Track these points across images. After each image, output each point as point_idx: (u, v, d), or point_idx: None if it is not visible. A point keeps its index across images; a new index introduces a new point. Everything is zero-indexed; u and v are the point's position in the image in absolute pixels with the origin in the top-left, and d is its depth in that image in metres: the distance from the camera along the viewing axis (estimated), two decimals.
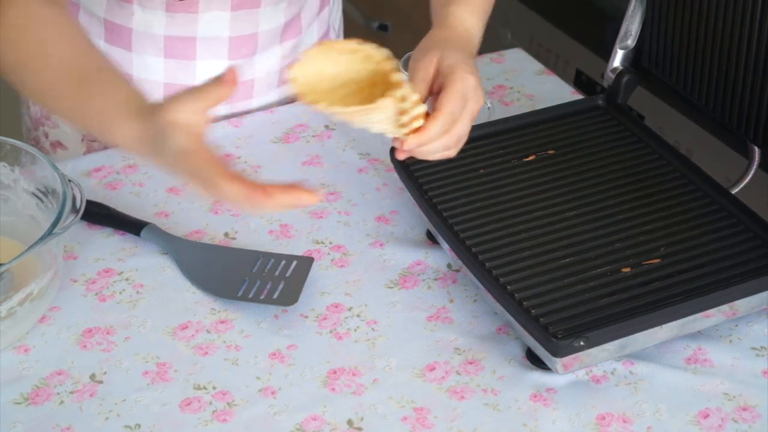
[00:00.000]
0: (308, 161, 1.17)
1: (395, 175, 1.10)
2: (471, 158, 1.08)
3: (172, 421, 0.87)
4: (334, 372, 0.92)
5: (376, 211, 1.10)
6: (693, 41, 1.08)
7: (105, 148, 1.26)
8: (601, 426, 0.86)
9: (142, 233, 1.05)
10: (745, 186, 1.10)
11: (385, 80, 0.82)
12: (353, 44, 0.84)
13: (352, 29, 1.53)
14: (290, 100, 1.27)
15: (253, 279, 1.00)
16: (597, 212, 1.01)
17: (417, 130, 0.85)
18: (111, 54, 1.18)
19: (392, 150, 1.06)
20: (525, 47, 1.74)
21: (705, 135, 1.43)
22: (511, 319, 0.91)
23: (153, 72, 1.21)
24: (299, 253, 1.04)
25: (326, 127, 1.22)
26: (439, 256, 1.04)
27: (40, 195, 1.00)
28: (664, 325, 0.90)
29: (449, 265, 1.03)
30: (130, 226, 1.06)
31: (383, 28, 2.39)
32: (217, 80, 0.84)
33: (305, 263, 1.01)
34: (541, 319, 0.89)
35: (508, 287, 0.92)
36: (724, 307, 0.92)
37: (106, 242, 1.06)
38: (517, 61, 1.35)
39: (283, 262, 1.01)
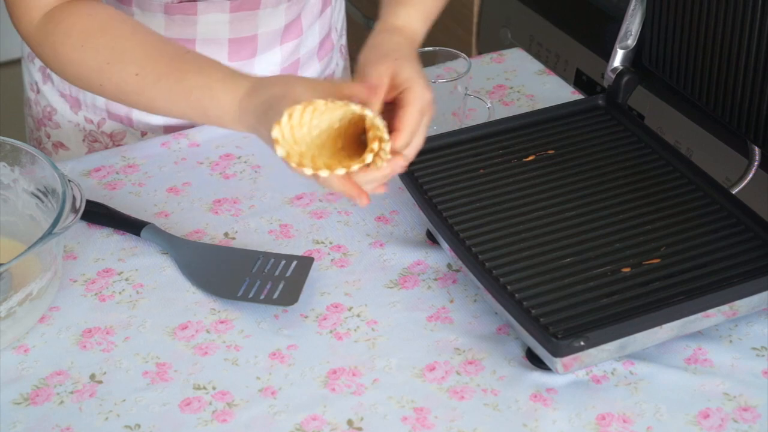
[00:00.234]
0: None
1: (395, 175, 1.10)
2: (471, 158, 1.08)
3: (172, 422, 0.87)
4: (334, 372, 0.92)
5: (376, 211, 1.10)
6: (693, 41, 1.08)
7: (106, 148, 1.27)
8: (601, 426, 0.86)
9: (142, 233, 1.05)
10: (745, 186, 1.10)
11: (355, 115, 0.84)
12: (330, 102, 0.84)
13: (352, 29, 1.53)
14: None
15: (253, 279, 1.00)
16: (597, 212, 1.01)
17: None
18: None
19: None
20: (525, 47, 1.75)
21: (705, 135, 1.43)
22: (511, 319, 0.91)
23: None
24: (299, 253, 1.04)
25: None
26: (439, 256, 1.04)
27: (40, 195, 1.00)
28: (664, 325, 0.89)
29: (449, 265, 1.03)
30: (130, 226, 1.06)
31: None
32: (360, 85, 0.86)
33: (305, 263, 1.01)
34: (541, 319, 0.89)
35: (508, 287, 0.92)
36: (724, 307, 0.92)
37: (106, 242, 1.06)
38: (517, 61, 1.35)
39: (283, 262, 1.01)
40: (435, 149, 1.09)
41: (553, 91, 1.29)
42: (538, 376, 0.91)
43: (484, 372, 0.91)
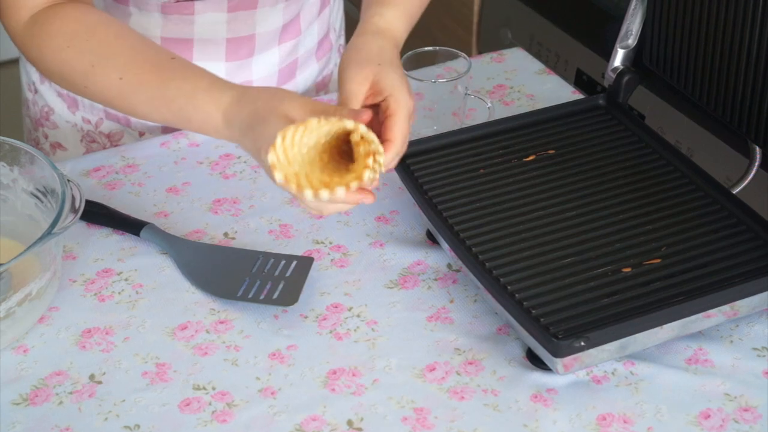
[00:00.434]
0: None
1: (395, 175, 1.10)
2: (471, 158, 1.08)
3: (172, 422, 0.87)
4: (334, 372, 0.92)
5: (376, 211, 1.10)
6: (694, 40, 1.08)
7: (104, 148, 1.27)
8: (601, 426, 0.86)
9: (142, 233, 1.05)
10: (746, 186, 1.10)
11: (344, 130, 0.84)
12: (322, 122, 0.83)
13: (351, 29, 1.53)
14: None
15: (253, 279, 1.00)
16: (597, 212, 1.01)
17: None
18: None
19: None
20: (525, 47, 1.75)
21: (706, 134, 1.43)
22: (512, 319, 0.91)
23: None
24: (299, 253, 1.04)
25: None
26: (439, 256, 1.04)
27: (39, 195, 1.00)
28: (664, 326, 0.89)
29: (449, 265, 1.03)
30: (130, 226, 1.06)
31: None
32: (351, 109, 0.86)
33: (305, 263, 1.01)
34: (542, 320, 0.89)
35: (509, 287, 0.92)
36: (725, 308, 0.91)
37: (106, 242, 1.06)
38: (518, 61, 1.35)
39: (283, 262, 1.01)
40: (435, 149, 1.09)
41: (553, 90, 1.29)
42: (538, 377, 0.91)
43: (485, 372, 0.91)
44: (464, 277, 1.01)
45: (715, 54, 1.05)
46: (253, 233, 1.07)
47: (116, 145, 1.26)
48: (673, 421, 0.87)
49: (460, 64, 1.19)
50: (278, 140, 0.80)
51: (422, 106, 1.18)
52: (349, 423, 0.87)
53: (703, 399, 0.88)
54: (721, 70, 1.05)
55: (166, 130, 1.26)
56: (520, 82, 1.31)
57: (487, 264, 0.94)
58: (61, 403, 0.89)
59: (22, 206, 1.01)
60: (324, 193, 0.80)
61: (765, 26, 0.98)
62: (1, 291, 0.91)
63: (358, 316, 0.97)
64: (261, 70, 1.25)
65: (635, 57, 1.17)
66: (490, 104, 1.21)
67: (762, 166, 1.11)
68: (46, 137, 1.30)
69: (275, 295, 0.98)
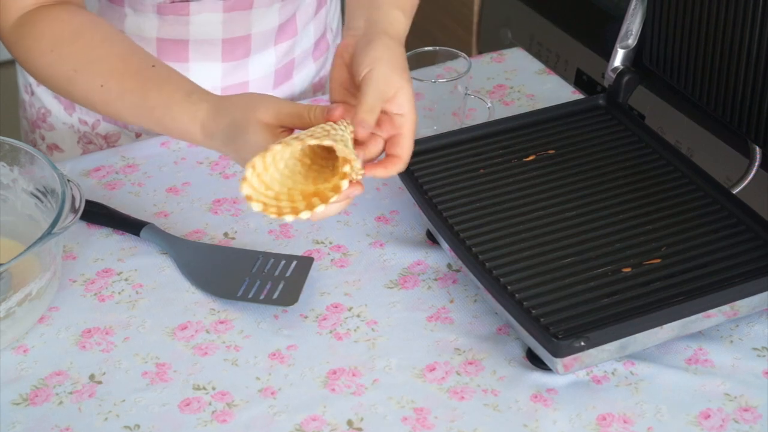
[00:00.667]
0: None
1: (395, 175, 1.10)
2: (471, 158, 1.08)
3: (172, 422, 0.87)
4: (334, 372, 0.92)
5: (376, 211, 1.10)
6: (694, 40, 1.08)
7: (101, 149, 1.26)
8: (601, 426, 0.86)
9: (142, 233, 1.05)
10: (746, 186, 1.10)
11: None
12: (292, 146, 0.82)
13: None
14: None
15: (253, 279, 1.00)
16: (597, 212, 1.01)
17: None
18: None
19: None
20: (525, 47, 1.75)
21: (706, 134, 1.43)
22: (512, 319, 0.91)
23: None
24: (299, 253, 1.04)
25: None
26: (439, 256, 1.04)
27: (39, 195, 1.00)
28: (664, 326, 0.89)
29: (449, 265, 1.03)
30: (130, 226, 1.06)
31: None
32: (322, 107, 0.85)
33: (305, 263, 1.01)
34: (542, 320, 0.89)
35: (509, 287, 0.92)
36: (725, 308, 0.91)
37: (106, 242, 1.06)
38: (518, 61, 1.35)
39: (283, 262, 1.01)
40: (435, 149, 1.09)
41: (553, 90, 1.29)
42: (538, 377, 0.91)
43: (484, 372, 0.91)
44: (464, 277, 1.01)
45: (715, 54, 1.05)
46: (253, 233, 1.07)
47: (113, 147, 1.26)
48: (673, 421, 0.87)
49: (460, 64, 1.19)
50: (248, 172, 0.79)
51: (422, 106, 1.18)
52: (349, 423, 0.87)
53: (703, 399, 0.88)
54: (721, 70, 1.05)
55: None
56: (520, 82, 1.31)
57: (487, 264, 0.94)
58: (61, 403, 0.89)
59: (22, 206, 1.01)
60: (305, 215, 0.80)
61: (765, 26, 0.98)
62: (1, 291, 0.91)
63: (358, 316, 0.97)
64: (257, 70, 1.24)
65: (635, 57, 1.17)
66: (490, 104, 1.21)
67: (762, 166, 1.11)
68: (43, 139, 1.30)
69: (275, 295, 0.98)
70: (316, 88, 1.35)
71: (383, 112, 0.88)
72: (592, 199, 1.03)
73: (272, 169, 0.81)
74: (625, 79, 1.15)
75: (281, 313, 0.97)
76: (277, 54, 1.25)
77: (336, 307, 0.98)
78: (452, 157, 1.08)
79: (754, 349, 0.93)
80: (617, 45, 1.18)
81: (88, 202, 1.06)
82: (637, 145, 1.10)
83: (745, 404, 0.88)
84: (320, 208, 0.80)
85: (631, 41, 1.17)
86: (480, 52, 2.11)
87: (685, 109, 1.46)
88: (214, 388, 0.90)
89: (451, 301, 0.99)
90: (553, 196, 1.03)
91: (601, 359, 0.90)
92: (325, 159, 0.84)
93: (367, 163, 0.87)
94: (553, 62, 1.83)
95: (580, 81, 1.76)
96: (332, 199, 0.80)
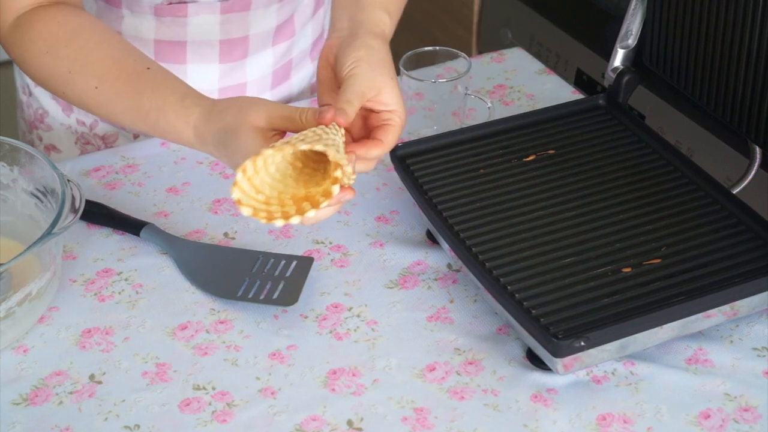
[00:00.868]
0: None
1: (395, 175, 1.10)
2: (471, 158, 1.08)
3: (172, 422, 0.87)
4: (334, 372, 0.92)
5: (376, 211, 1.10)
6: (694, 40, 1.08)
7: (99, 150, 1.26)
8: (601, 426, 0.86)
9: (142, 233, 1.05)
10: (746, 186, 1.10)
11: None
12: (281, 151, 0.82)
13: None
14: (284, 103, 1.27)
15: (253, 279, 1.00)
16: (597, 212, 1.01)
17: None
18: None
19: (392, 150, 1.06)
20: (525, 47, 1.75)
21: (706, 134, 1.43)
22: (512, 319, 0.91)
23: None
24: (299, 253, 1.04)
25: None
26: (439, 256, 1.04)
27: (39, 195, 1.00)
28: (664, 326, 0.89)
29: (449, 265, 1.03)
30: (130, 226, 1.06)
31: None
32: (314, 109, 0.85)
33: (305, 263, 1.01)
34: (542, 320, 0.89)
35: (509, 287, 0.92)
36: (725, 308, 0.91)
37: (106, 242, 1.06)
38: (518, 61, 1.35)
39: (283, 262, 1.01)
40: (435, 149, 1.09)
41: (553, 90, 1.29)
42: (538, 377, 0.91)
43: (484, 372, 0.91)
44: (464, 277, 1.01)
45: (715, 54, 1.05)
46: (253, 233, 1.07)
47: (111, 147, 1.26)
48: (673, 421, 0.87)
49: (460, 64, 1.19)
50: (239, 176, 0.79)
51: (422, 106, 1.18)
52: (349, 423, 0.87)
53: (703, 399, 0.88)
54: (721, 70, 1.05)
55: None
56: (520, 82, 1.31)
57: (487, 264, 0.94)
58: (61, 403, 0.89)
59: (22, 206, 1.01)
60: (295, 220, 0.79)
61: (765, 26, 0.98)
62: (1, 291, 0.91)
63: (358, 316, 0.97)
64: (255, 71, 1.24)
65: (635, 57, 1.17)
66: (490, 104, 1.21)
67: (762, 166, 1.11)
68: (41, 140, 1.30)
69: (275, 295, 0.98)
70: (314, 89, 1.34)
71: (372, 111, 0.89)
72: (592, 199, 1.03)
73: (263, 173, 0.81)
74: (625, 79, 1.15)
75: (281, 313, 0.97)
76: (274, 55, 1.25)
77: (336, 307, 0.98)
78: (452, 157, 1.08)
79: (754, 349, 0.93)
80: (617, 45, 1.18)
81: (88, 202, 1.06)
82: (637, 145, 1.10)
83: (745, 404, 0.88)
84: (311, 213, 0.79)
85: (631, 41, 1.17)
86: (480, 52, 2.11)
87: (685, 109, 1.46)
88: (214, 388, 0.90)
89: (451, 301, 0.99)
90: (553, 196, 1.03)
91: (601, 359, 0.90)
92: (316, 162, 0.84)
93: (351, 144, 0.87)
94: (553, 62, 1.83)
95: (580, 81, 1.76)
96: (323, 204, 0.80)
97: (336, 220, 1.08)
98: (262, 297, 0.98)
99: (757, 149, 1.10)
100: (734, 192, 1.06)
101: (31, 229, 0.99)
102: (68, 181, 0.96)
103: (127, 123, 0.97)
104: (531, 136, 1.12)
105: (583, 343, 0.86)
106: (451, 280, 1.01)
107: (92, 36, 0.98)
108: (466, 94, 1.18)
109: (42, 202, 0.99)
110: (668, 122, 1.49)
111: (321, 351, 0.94)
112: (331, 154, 0.80)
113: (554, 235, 0.98)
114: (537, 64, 1.35)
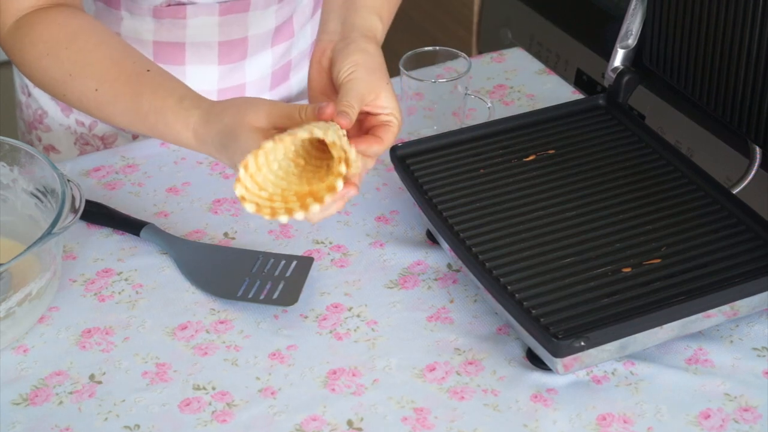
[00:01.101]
0: None
1: (395, 175, 1.10)
2: (471, 158, 1.08)
3: (172, 422, 0.87)
4: (334, 372, 0.92)
5: (376, 211, 1.10)
6: (694, 40, 1.08)
7: (98, 150, 1.26)
8: (601, 426, 0.86)
9: (142, 233, 1.05)
10: (746, 186, 1.10)
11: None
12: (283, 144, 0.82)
13: None
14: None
15: (253, 279, 1.00)
16: (597, 212, 1.01)
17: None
18: None
19: (392, 150, 1.06)
20: (525, 47, 1.75)
21: (706, 134, 1.43)
22: (512, 319, 0.91)
23: None
24: (299, 253, 1.04)
25: None
26: (439, 256, 1.04)
27: (39, 195, 1.00)
28: (664, 326, 0.89)
29: (449, 265, 1.03)
30: (130, 226, 1.06)
31: None
32: (313, 106, 0.85)
33: (305, 263, 1.01)
34: (542, 320, 0.89)
35: (509, 287, 0.92)
36: (725, 308, 0.91)
37: (106, 242, 1.06)
38: (518, 61, 1.35)
39: (283, 262, 1.01)
40: (435, 149, 1.09)
41: (553, 90, 1.29)
42: (538, 377, 0.91)
43: (484, 372, 0.91)
44: (464, 277, 1.01)
45: (715, 54, 1.05)
46: (253, 233, 1.07)
47: (110, 148, 1.26)
48: (673, 421, 0.87)
49: (460, 64, 1.19)
50: (241, 172, 0.79)
51: (422, 106, 1.18)
52: (349, 423, 0.87)
53: (703, 399, 0.88)
54: (721, 70, 1.05)
55: None
56: (520, 82, 1.31)
57: (487, 264, 0.94)
58: (61, 403, 0.89)
59: (22, 206, 1.01)
60: (299, 215, 0.80)
61: (765, 26, 0.98)
62: (1, 291, 0.91)
63: (358, 316, 0.97)
64: (254, 72, 1.24)
65: (635, 57, 1.17)
66: (490, 104, 1.21)
67: (762, 166, 1.11)
68: (40, 140, 1.30)
69: (275, 295, 0.98)
70: None
71: (369, 114, 0.90)
72: (592, 199, 1.03)
73: (265, 169, 0.81)
74: (625, 79, 1.15)
75: (281, 313, 0.97)
76: (273, 56, 1.25)
77: (336, 307, 0.98)
78: (452, 157, 1.08)
79: (754, 349, 0.93)
80: (617, 45, 1.18)
81: (88, 202, 1.06)
82: (637, 145, 1.10)
83: (745, 404, 0.88)
84: (315, 208, 0.80)
85: (631, 41, 1.17)
86: (480, 52, 2.11)
87: (685, 109, 1.46)
88: (214, 388, 0.90)
89: (451, 301, 0.99)
90: (553, 196, 1.03)
91: (601, 359, 0.90)
92: (319, 159, 0.84)
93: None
94: (553, 62, 1.83)
95: (580, 81, 1.76)
96: (327, 200, 0.80)
97: (336, 220, 1.08)
98: (262, 297, 0.98)
99: (757, 149, 1.10)
100: (734, 192, 1.06)
101: (31, 229, 0.99)
102: (68, 181, 0.96)
103: (126, 125, 0.97)
104: (531, 136, 1.12)
105: (583, 343, 0.86)
106: (451, 280, 1.01)
107: (91, 37, 0.98)
108: (466, 94, 1.18)
109: (42, 202, 0.99)
110: (668, 122, 1.49)
111: (321, 351, 0.94)
112: (330, 137, 0.80)
113: (554, 235, 0.98)
114: (537, 64, 1.35)
